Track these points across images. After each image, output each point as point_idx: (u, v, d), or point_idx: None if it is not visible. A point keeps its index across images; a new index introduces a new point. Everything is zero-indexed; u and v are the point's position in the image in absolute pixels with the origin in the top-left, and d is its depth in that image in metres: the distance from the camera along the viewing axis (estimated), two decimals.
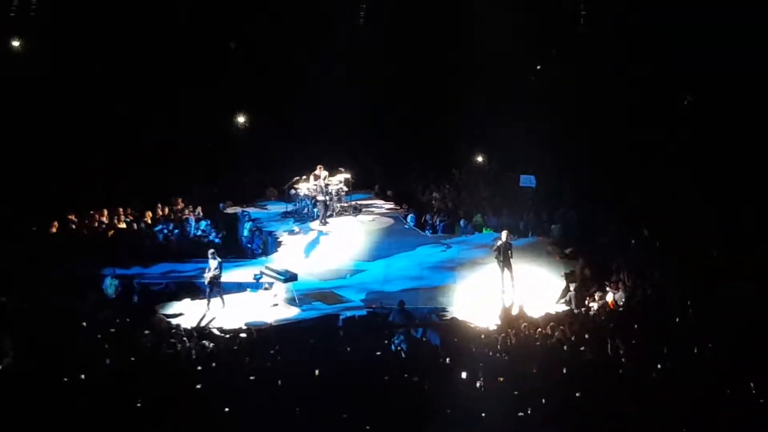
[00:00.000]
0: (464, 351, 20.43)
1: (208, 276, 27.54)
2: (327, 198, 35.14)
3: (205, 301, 27.89)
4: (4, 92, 35.34)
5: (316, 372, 18.50)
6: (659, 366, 18.18)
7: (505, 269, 28.12)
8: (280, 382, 17.84)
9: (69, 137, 36.72)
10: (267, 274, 28.26)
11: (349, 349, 21.15)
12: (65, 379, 17.57)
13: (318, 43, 40.16)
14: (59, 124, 36.69)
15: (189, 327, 24.35)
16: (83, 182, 34.83)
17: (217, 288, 27.65)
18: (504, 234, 28.69)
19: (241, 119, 42.19)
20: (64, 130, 36.71)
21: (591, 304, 25.90)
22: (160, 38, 39.09)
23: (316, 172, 35.12)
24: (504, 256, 28.16)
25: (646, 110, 37.28)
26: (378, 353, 20.72)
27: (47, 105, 36.64)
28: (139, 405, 16.29)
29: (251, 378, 18.45)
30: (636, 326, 21.56)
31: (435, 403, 16.38)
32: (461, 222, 34.99)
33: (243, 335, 23.18)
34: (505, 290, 27.95)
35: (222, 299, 27.59)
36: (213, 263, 27.52)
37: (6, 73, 36.27)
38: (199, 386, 17.61)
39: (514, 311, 25.42)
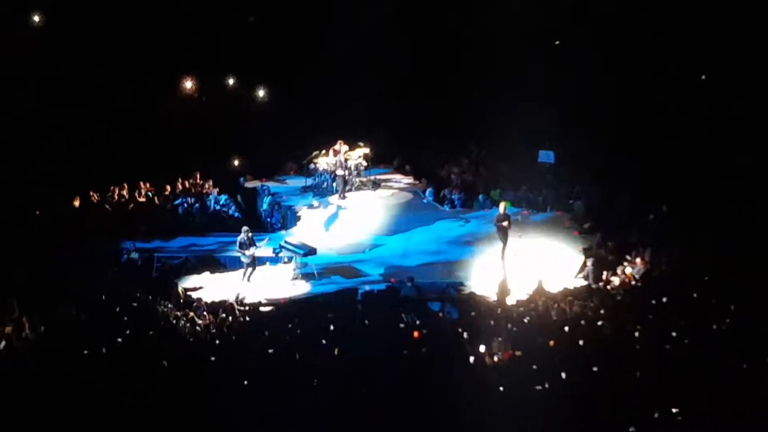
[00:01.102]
0: (482, 325, 20.45)
1: (249, 253, 27.75)
2: (346, 172, 35.19)
3: (227, 274, 28.23)
4: (22, 68, 35.38)
5: (334, 347, 18.64)
6: (676, 341, 18.18)
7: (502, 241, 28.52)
8: (297, 355, 17.93)
9: (88, 113, 36.73)
10: (286, 248, 28.35)
11: (367, 322, 21.27)
12: (85, 352, 17.68)
13: (336, 17, 40.01)
14: (79, 101, 36.69)
15: (208, 301, 24.49)
16: (104, 157, 34.81)
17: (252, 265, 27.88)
18: (501, 206, 28.83)
19: (260, 93, 42.05)
20: (82, 106, 36.71)
21: (610, 279, 25.87)
22: (178, 12, 39.03)
23: (336, 146, 35.17)
24: (500, 229, 28.39)
25: (668, 85, 37.06)
26: (398, 326, 20.81)
27: (65, 80, 36.64)
28: (155, 379, 16.38)
29: (269, 351, 18.55)
30: (654, 301, 21.52)
31: (453, 377, 16.44)
32: (480, 197, 34.98)
33: (262, 309, 23.32)
34: (503, 261, 28.26)
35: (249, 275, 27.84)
36: (245, 239, 27.83)
37: (23, 49, 36.31)
38: (213, 359, 17.72)
39: (511, 284, 25.47)
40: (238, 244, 27.92)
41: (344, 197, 34.98)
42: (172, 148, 36.78)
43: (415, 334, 19.88)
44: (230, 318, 22.17)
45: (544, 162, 35.26)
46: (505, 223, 28.52)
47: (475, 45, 39.70)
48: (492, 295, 24.70)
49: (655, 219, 29.81)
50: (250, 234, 28.09)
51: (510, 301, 23.72)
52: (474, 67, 39.68)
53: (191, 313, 22.38)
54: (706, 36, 35.49)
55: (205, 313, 22.72)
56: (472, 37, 39.98)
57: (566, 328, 19.87)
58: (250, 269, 27.88)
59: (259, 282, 27.72)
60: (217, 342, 19.80)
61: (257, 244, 28.12)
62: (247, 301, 24.97)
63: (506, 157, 38.31)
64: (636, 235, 28.33)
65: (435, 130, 41.98)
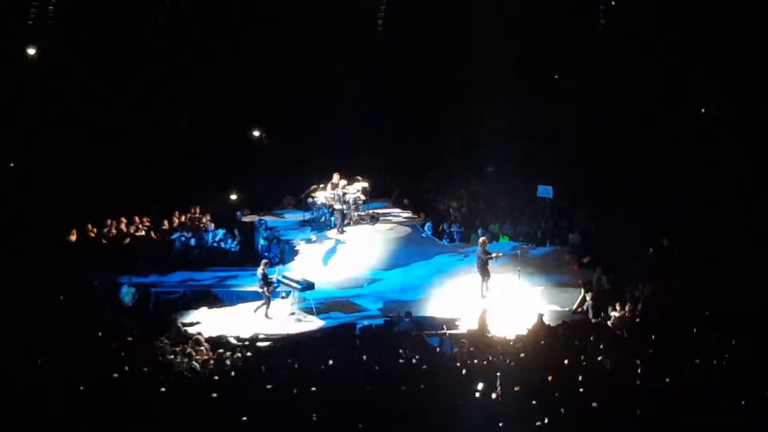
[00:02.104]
0: (481, 361, 20.36)
1: (267, 287, 27.63)
2: (344, 207, 35.10)
3: (226, 309, 28.21)
4: (22, 100, 35.43)
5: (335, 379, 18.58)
6: (676, 376, 18.09)
7: (483, 276, 28.45)
8: (295, 390, 17.83)
9: (86, 145, 36.78)
10: (284, 283, 28.25)
11: (365, 357, 21.17)
12: (81, 388, 17.58)
13: (333, 51, 40.19)
14: (77, 133, 36.75)
15: (206, 336, 24.38)
16: (101, 191, 34.78)
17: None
18: (480, 240, 28.82)
19: (256, 132, 42.13)
20: (81, 138, 36.76)
21: (610, 314, 25.78)
22: (175, 41, 39.17)
23: (333, 180, 35.13)
24: (480, 263, 28.34)
25: (663, 117, 37.23)
26: (396, 361, 20.72)
27: (65, 113, 36.71)
28: (154, 412, 16.30)
29: (267, 387, 18.45)
30: (653, 336, 21.45)
31: (452, 412, 16.35)
32: (478, 231, 34.91)
33: (260, 344, 23.21)
34: (483, 296, 28.26)
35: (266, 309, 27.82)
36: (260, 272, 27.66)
37: (24, 80, 36.41)
38: (215, 395, 17.61)
39: (492, 317, 25.40)
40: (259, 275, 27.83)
41: (343, 231, 34.88)
42: (170, 183, 36.75)
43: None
44: (229, 353, 22.02)
45: (543, 197, 35.21)
46: (485, 257, 28.46)
47: (471, 77, 39.80)
48: (486, 330, 24.59)
49: (654, 252, 29.81)
50: (267, 269, 28.03)
51: (509, 335, 23.62)
52: (471, 101, 39.75)
53: (189, 349, 22.22)
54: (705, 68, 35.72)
55: (203, 348, 22.56)
56: (468, 69, 40.06)
57: (566, 362, 19.79)
58: (267, 303, 27.78)
59: (256, 316, 27.58)
60: (216, 378, 19.64)
61: (269, 277, 27.93)
62: (243, 336, 24.85)
63: (505, 191, 38.33)
64: (636, 268, 28.24)
65: (433, 164, 42.04)
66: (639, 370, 18.90)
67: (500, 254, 29.74)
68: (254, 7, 40.29)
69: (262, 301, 27.63)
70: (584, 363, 19.84)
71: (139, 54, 38.47)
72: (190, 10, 39.70)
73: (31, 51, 37.88)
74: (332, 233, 35.03)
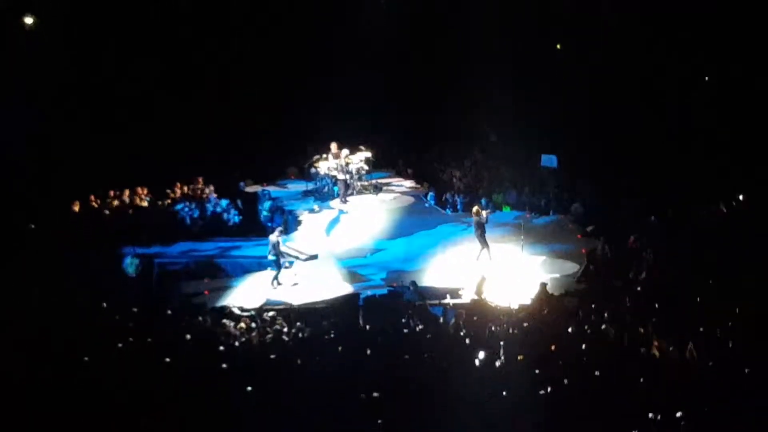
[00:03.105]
0: (484, 330, 20.38)
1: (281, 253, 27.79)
2: (347, 177, 35.05)
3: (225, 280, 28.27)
4: (22, 72, 35.31)
5: (339, 348, 18.59)
6: (680, 345, 18.11)
7: (483, 245, 28.58)
8: (300, 361, 17.86)
9: (88, 117, 36.72)
10: (287, 253, 28.24)
11: (369, 327, 21.21)
12: (86, 359, 17.61)
13: (337, 21, 40.06)
14: (78, 104, 36.68)
15: (210, 307, 24.44)
16: (104, 162, 34.72)
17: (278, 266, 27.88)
18: (474, 209, 28.95)
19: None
20: (83, 110, 36.70)
21: (614, 282, 25.79)
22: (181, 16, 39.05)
23: (332, 149, 35.04)
24: (479, 232, 28.46)
25: (664, 85, 37.16)
26: (400, 331, 20.75)
27: (66, 84, 36.61)
28: (160, 385, 16.33)
29: (271, 357, 18.48)
30: (657, 305, 21.46)
31: (455, 381, 16.37)
32: (482, 200, 34.83)
33: (264, 314, 23.23)
34: (481, 263, 28.34)
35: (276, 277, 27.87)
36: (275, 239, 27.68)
37: (20, 52, 36.27)
38: (224, 365, 17.63)
39: (485, 285, 25.46)
40: (270, 245, 27.84)
41: (346, 201, 34.85)
42: (174, 154, 36.68)
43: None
44: (233, 324, 22.01)
45: (546, 166, 35.12)
46: (480, 219, 28.47)
47: (474, 47, 39.64)
48: (494, 300, 24.64)
49: (656, 220, 29.81)
50: (281, 236, 28.09)
51: (513, 305, 23.63)
52: (474, 70, 39.56)
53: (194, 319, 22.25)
54: (706, 37, 35.60)
55: (207, 318, 22.56)
56: (471, 39, 39.90)
57: (569, 331, 19.82)
58: (279, 271, 27.85)
59: (260, 287, 27.63)
60: (221, 348, 19.65)
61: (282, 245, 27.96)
62: (248, 306, 24.90)
63: (509, 161, 38.28)
64: (639, 238, 28.21)
65: (437, 134, 41.95)
66: (642, 339, 18.92)
67: (489, 211, 29.89)
68: None
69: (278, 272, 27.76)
70: (588, 332, 19.86)
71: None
72: None
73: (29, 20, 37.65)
74: (335, 203, 35.01)
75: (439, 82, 41.27)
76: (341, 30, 40.13)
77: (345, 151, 35.06)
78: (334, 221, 33.43)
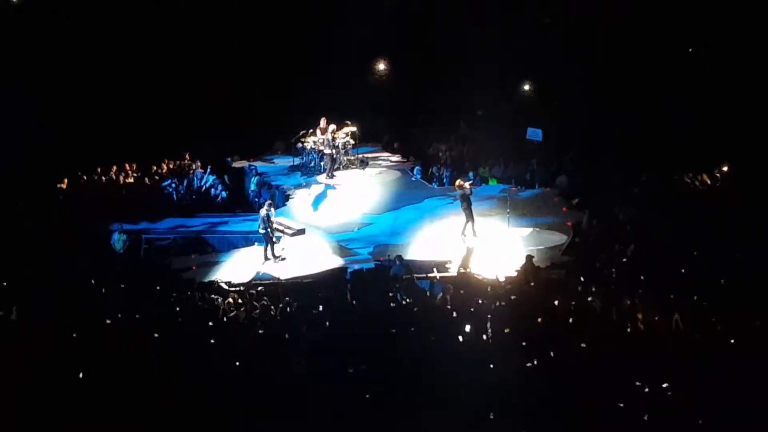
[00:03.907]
0: (471, 303, 20.46)
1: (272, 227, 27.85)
2: (334, 151, 35.05)
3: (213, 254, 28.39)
4: (6, 48, 35.27)
5: (326, 324, 18.66)
6: (666, 316, 18.23)
7: (468, 218, 28.55)
8: (287, 335, 17.94)
9: (75, 95, 36.69)
10: (275, 228, 28.31)
11: (356, 302, 21.30)
12: (74, 335, 17.67)
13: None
14: (66, 83, 36.66)
15: (198, 281, 24.53)
16: (90, 139, 34.73)
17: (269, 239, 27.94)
18: (457, 182, 29.06)
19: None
20: (69, 87, 36.67)
21: (599, 254, 25.88)
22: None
23: (321, 125, 35.02)
24: (465, 204, 28.46)
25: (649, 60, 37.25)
26: (388, 305, 20.81)
27: (52, 62, 36.57)
28: (149, 359, 16.40)
29: (260, 332, 18.57)
30: (642, 278, 21.56)
31: (442, 355, 16.45)
32: (469, 174, 34.88)
33: (252, 290, 23.29)
34: (466, 236, 28.40)
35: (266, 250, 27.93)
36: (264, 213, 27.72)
37: (6, 28, 36.22)
38: (212, 341, 17.72)
39: (472, 258, 25.63)
40: (260, 218, 27.86)
41: (332, 176, 34.87)
42: (161, 130, 36.67)
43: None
44: (219, 299, 22.09)
45: (532, 139, 35.16)
46: (465, 192, 28.53)
47: (457, 21, 39.59)
48: (480, 273, 24.74)
49: (641, 191, 29.96)
50: (272, 210, 28.14)
51: (499, 277, 23.72)
52: (458, 44, 39.51)
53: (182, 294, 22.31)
54: (691, 10, 35.70)
55: (194, 293, 22.61)
56: (454, 14, 39.82)
57: (555, 303, 19.91)
58: (270, 245, 27.91)
59: (248, 262, 27.72)
60: (210, 324, 19.71)
61: (272, 219, 28.00)
62: (236, 281, 24.97)
63: (495, 134, 38.28)
64: (623, 209, 28.31)
65: (423, 108, 41.93)
66: (628, 311, 19.01)
67: (471, 182, 30.14)
68: None
69: (270, 246, 27.84)
70: (574, 304, 19.95)
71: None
72: None
73: None
74: (322, 178, 35.02)
75: (427, 59, 41.15)
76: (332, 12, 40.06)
77: (332, 126, 35.03)
78: (321, 196, 33.44)
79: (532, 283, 22.48)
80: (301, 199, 33.16)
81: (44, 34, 36.47)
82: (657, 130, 34.02)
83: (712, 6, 35.30)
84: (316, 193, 33.64)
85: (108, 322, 18.91)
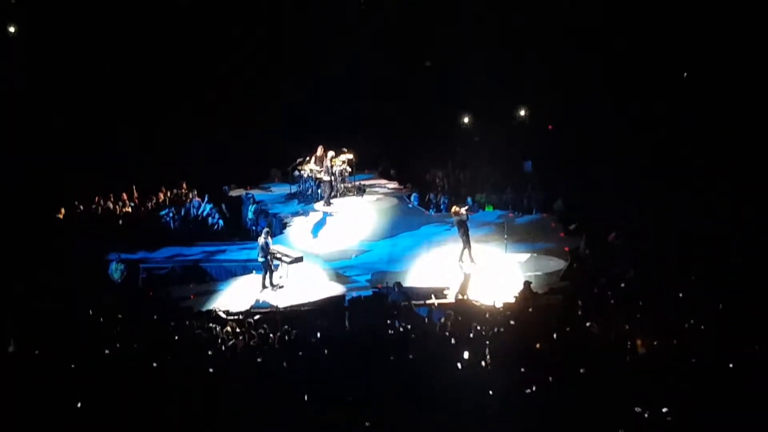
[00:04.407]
0: (469, 329, 20.43)
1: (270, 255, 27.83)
2: (331, 178, 35.07)
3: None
4: (5, 80, 35.41)
5: (325, 351, 18.64)
6: (665, 340, 18.22)
7: (465, 244, 28.56)
8: (285, 363, 17.91)
9: (73, 123, 36.80)
10: (273, 256, 28.32)
11: (355, 329, 21.28)
12: (72, 366, 17.64)
13: (322, 26, 40.11)
14: (63, 112, 36.77)
15: (196, 310, 24.49)
16: (88, 168, 34.77)
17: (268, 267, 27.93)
18: (453, 209, 29.18)
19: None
20: (67, 116, 36.78)
21: (598, 279, 25.86)
22: (164, 28, 39.10)
23: (318, 153, 35.06)
24: (462, 230, 28.46)
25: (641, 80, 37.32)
26: (385, 332, 20.79)
27: (50, 92, 36.71)
28: (145, 390, 16.37)
29: (258, 360, 18.54)
30: (640, 303, 21.56)
31: (441, 381, 16.43)
32: (467, 200, 34.91)
33: (250, 318, 23.27)
34: (463, 262, 28.44)
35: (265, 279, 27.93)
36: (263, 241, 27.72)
37: (5, 61, 36.38)
38: (210, 370, 17.67)
39: (469, 284, 25.65)
40: (259, 247, 27.86)
41: (330, 203, 34.87)
42: (157, 159, 36.77)
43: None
44: (218, 327, 22.05)
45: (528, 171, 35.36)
46: (461, 218, 28.55)
47: (453, 46, 39.71)
48: (478, 299, 24.76)
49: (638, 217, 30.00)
50: (270, 238, 28.14)
51: (497, 303, 23.72)
52: (454, 71, 39.65)
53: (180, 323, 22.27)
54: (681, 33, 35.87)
55: (193, 322, 22.58)
56: (450, 38, 39.92)
57: (553, 329, 19.88)
58: (268, 273, 27.90)
59: (245, 290, 27.72)
60: (210, 353, 19.68)
61: (270, 246, 28.01)
62: (234, 310, 24.95)
63: (490, 161, 38.36)
64: (620, 235, 28.33)
65: (420, 135, 41.96)
66: (627, 335, 19.00)
67: (467, 207, 30.13)
68: None
69: (269, 274, 27.83)
70: (572, 330, 19.94)
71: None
72: None
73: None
74: (319, 205, 35.02)
75: (423, 84, 41.25)
76: (323, 33, 40.16)
77: (330, 153, 35.03)
78: (319, 223, 33.45)
79: (530, 309, 22.47)
80: (298, 227, 33.15)
81: (39, 62, 36.69)
82: (653, 151, 34.09)
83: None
84: (314, 221, 33.64)
85: (107, 352, 18.88)
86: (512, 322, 20.87)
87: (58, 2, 38.20)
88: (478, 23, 38.57)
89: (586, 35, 37.58)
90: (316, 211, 34.62)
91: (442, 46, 40.35)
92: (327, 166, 34.65)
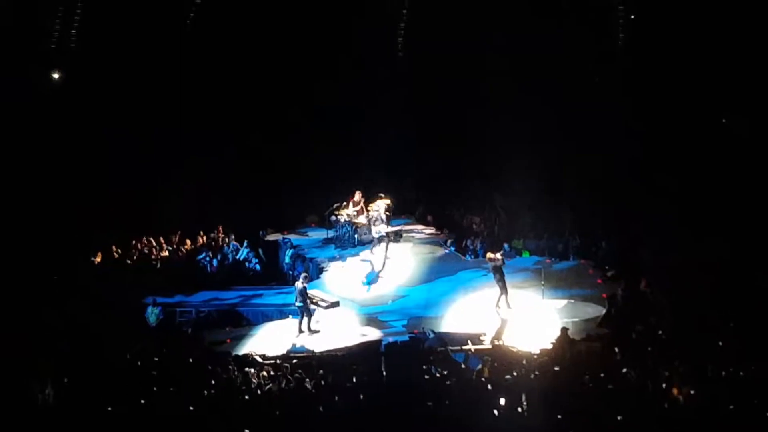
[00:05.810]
0: (506, 375, 20.36)
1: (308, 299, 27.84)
2: (370, 224, 34.98)
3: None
4: (45, 124, 35.81)
5: (360, 396, 18.61)
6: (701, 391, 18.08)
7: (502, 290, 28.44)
8: (321, 408, 17.90)
9: (110, 167, 37.08)
10: (310, 301, 28.32)
11: (391, 375, 21.24)
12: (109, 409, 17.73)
13: (356, 69, 40.20)
14: (100, 155, 37.07)
15: (232, 355, 24.52)
16: (125, 212, 35.02)
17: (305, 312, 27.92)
18: (488, 256, 28.96)
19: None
20: (104, 160, 37.09)
21: (635, 326, 25.72)
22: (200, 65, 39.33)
23: (355, 198, 35.12)
24: (498, 276, 28.35)
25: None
26: (422, 378, 20.74)
27: (87, 136, 37.08)
28: None
29: (294, 404, 18.54)
30: (677, 350, 21.42)
31: (478, 428, 16.37)
32: (504, 246, 34.79)
33: (286, 363, 23.29)
34: (500, 308, 28.30)
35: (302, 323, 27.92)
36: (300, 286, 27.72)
37: (46, 105, 36.78)
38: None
39: (506, 330, 25.56)
40: (297, 291, 27.90)
41: (372, 252, 34.69)
42: (195, 203, 36.96)
43: None
44: (253, 371, 22.08)
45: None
46: (497, 263, 28.46)
47: (490, 94, 39.66)
48: (515, 345, 24.68)
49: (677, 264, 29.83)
50: (307, 283, 28.18)
51: (534, 350, 23.63)
52: (491, 118, 39.62)
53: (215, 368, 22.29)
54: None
55: (229, 366, 22.60)
56: (487, 85, 39.87)
57: (590, 376, 19.78)
58: (306, 318, 27.89)
59: (282, 334, 27.73)
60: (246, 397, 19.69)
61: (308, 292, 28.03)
62: (270, 354, 24.97)
63: (528, 206, 38.23)
64: (650, 281, 28.17)
65: (457, 180, 41.92)
66: (665, 382, 18.87)
67: (503, 253, 29.85)
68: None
69: (305, 318, 27.82)
70: (609, 376, 19.82)
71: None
72: None
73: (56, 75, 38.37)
74: (365, 254, 34.88)
75: (457, 131, 41.19)
76: (361, 77, 40.24)
77: (379, 201, 34.82)
78: (356, 269, 33.42)
79: (568, 356, 22.36)
80: (335, 272, 33.17)
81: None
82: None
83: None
84: (351, 266, 33.63)
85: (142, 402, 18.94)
86: (548, 369, 20.78)
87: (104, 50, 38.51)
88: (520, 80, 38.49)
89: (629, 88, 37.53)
90: (353, 256, 34.59)
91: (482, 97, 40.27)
92: (371, 213, 34.36)
